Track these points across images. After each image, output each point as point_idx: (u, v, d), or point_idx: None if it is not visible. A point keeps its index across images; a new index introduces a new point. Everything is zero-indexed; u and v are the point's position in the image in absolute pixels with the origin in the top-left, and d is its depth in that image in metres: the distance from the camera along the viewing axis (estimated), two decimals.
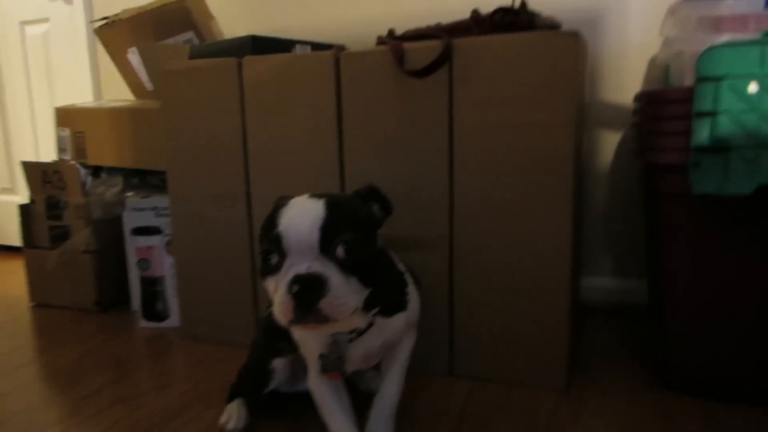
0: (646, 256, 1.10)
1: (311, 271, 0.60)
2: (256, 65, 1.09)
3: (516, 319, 0.99)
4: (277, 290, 0.62)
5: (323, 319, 0.60)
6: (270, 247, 0.63)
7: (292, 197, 0.69)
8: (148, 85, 1.46)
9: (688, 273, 0.90)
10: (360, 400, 0.84)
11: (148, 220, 1.31)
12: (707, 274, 0.89)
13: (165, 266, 1.32)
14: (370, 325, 0.73)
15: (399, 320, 0.76)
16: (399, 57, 0.96)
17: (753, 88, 0.75)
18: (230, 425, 0.88)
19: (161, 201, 1.30)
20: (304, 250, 0.61)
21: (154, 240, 1.31)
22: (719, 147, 0.78)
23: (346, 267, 0.62)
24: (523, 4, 0.99)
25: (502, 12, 0.98)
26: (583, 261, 1.39)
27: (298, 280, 0.60)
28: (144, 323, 1.35)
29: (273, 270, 0.63)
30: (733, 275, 0.87)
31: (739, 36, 0.81)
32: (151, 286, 1.33)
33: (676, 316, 0.93)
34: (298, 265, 0.61)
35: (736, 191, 0.78)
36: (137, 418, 0.94)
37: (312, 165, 1.08)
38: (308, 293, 0.59)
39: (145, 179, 1.47)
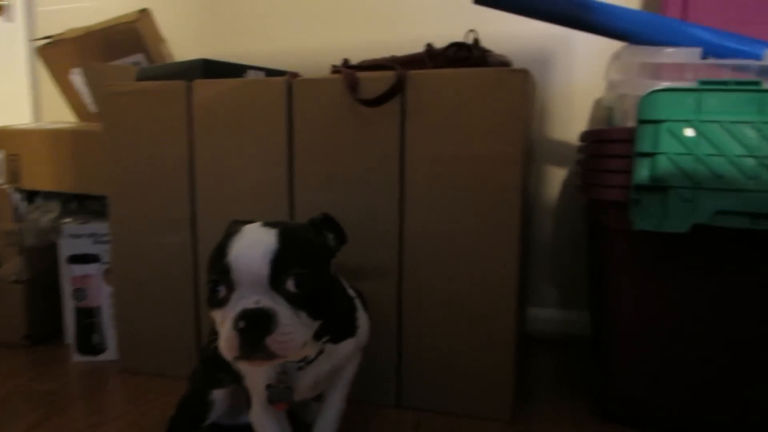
0: (589, 289, 1.13)
1: (259, 306, 0.58)
2: (206, 89, 1.07)
3: (463, 350, 0.99)
4: (224, 323, 0.59)
5: (270, 356, 0.58)
6: (218, 278, 0.61)
7: (245, 222, 0.67)
8: (92, 107, 1.41)
9: (629, 306, 0.93)
10: None
11: (85, 247, 1.25)
12: (647, 308, 0.92)
13: (102, 296, 1.26)
14: (320, 352, 0.71)
15: (348, 346, 0.76)
16: (352, 86, 0.97)
17: (689, 132, 0.80)
18: None
19: (100, 227, 1.24)
20: (254, 283, 0.59)
21: (92, 268, 1.25)
22: (658, 186, 0.82)
23: (296, 301, 0.60)
24: (476, 41, 1.02)
25: (455, 47, 1.01)
26: (529, 292, 1.42)
27: (244, 315, 0.58)
28: (78, 357, 1.27)
29: (220, 303, 0.61)
30: (672, 310, 0.91)
31: (677, 83, 0.86)
32: (87, 318, 1.26)
33: (617, 349, 0.96)
34: (246, 298, 0.59)
35: (674, 229, 0.81)
36: None
37: (261, 192, 1.06)
38: (255, 330, 0.57)
39: (84, 204, 1.40)
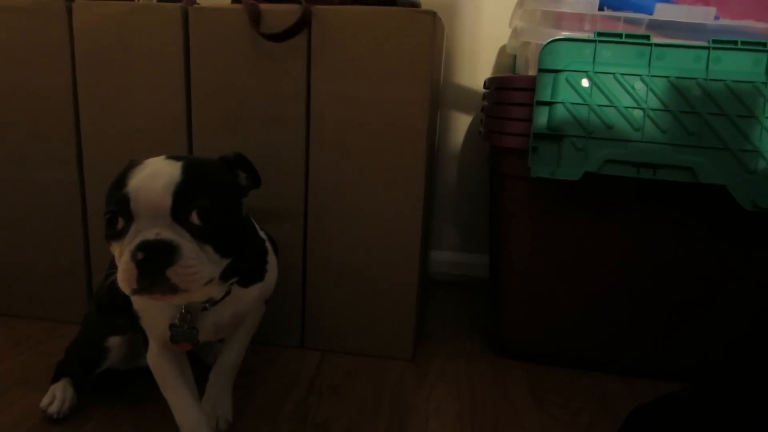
0: (489, 233, 1.18)
1: (160, 237, 0.55)
2: (89, 11, 0.97)
3: (368, 292, 1.01)
4: (122, 256, 0.56)
5: (171, 289, 0.55)
6: (115, 209, 0.57)
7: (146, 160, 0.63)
8: None
9: (525, 249, 0.98)
10: (205, 374, 0.80)
11: None
12: (540, 251, 0.97)
13: None
14: (227, 294, 0.69)
15: (254, 291, 0.74)
16: (255, 17, 0.91)
17: (585, 82, 0.83)
18: (53, 407, 0.79)
19: None
20: (154, 214, 0.56)
21: None
22: (555, 135, 0.85)
23: (201, 235, 0.58)
24: None
25: None
26: (432, 235, 1.46)
27: (143, 246, 0.54)
28: None
29: (118, 234, 0.57)
30: (561, 254, 0.97)
31: (576, 34, 0.88)
32: None
33: (510, 289, 1.01)
34: (146, 230, 0.56)
35: (567, 176, 0.86)
36: None
37: (156, 129, 0.99)
38: (155, 261, 0.54)
39: None
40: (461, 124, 1.41)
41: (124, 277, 0.55)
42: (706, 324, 0.95)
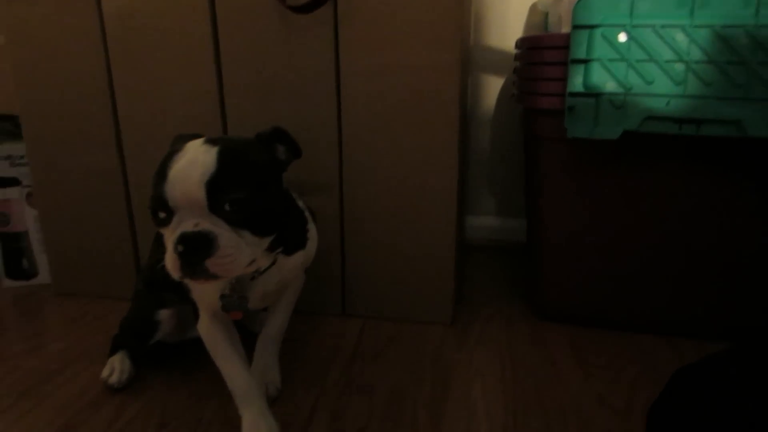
0: (525, 197, 1.17)
1: (198, 229, 0.58)
2: None
3: (405, 258, 1.02)
4: (168, 243, 0.60)
5: (212, 277, 0.59)
6: (156, 204, 0.60)
7: (190, 137, 0.66)
8: None
9: (561, 212, 0.97)
10: (251, 343, 0.84)
11: (2, 170, 1.17)
12: (578, 212, 0.96)
13: (27, 220, 1.20)
14: (273, 263, 0.72)
15: (298, 259, 0.77)
16: None
17: (622, 37, 0.80)
18: (114, 378, 0.84)
19: (16, 149, 1.16)
20: (191, 207, 0.59)
21: (12, 192, 1.18)
22: (591, 93, 0.83)
23: (237, 222, 0.60)
24: None
25: None
26: (468, 201, 1.45)
27: (183, 239, 0.58)
28: (9, 283, 1.23)
29: (163, 223, 0.61)
30: (601, 216, 0.95)
31: None
32: (14, 243, 1.20)
33: (548, 252, 1.01)
34: (186, 221, 0.59)
35: (605, 135, 0.84)
36: (11, 381, 0.87)
37: (189, 105, 1.01)
38: (194, 253, 0.57)
39: None
40: (493, 87, 1.39)
41: (171, 265, 0.59)
42: (754, 284, 0.93)
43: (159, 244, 0.79)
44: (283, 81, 0.96)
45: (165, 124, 1.02)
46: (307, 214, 0.80)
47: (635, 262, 0.96)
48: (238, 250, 0.60)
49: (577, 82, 0.84)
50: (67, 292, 1.17)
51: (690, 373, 0.59)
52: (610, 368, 0.90)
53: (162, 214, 0.60)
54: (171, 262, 0.59)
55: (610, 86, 0.82)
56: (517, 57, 1.08)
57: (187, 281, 0.72)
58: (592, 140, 0.86)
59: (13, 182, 1.17)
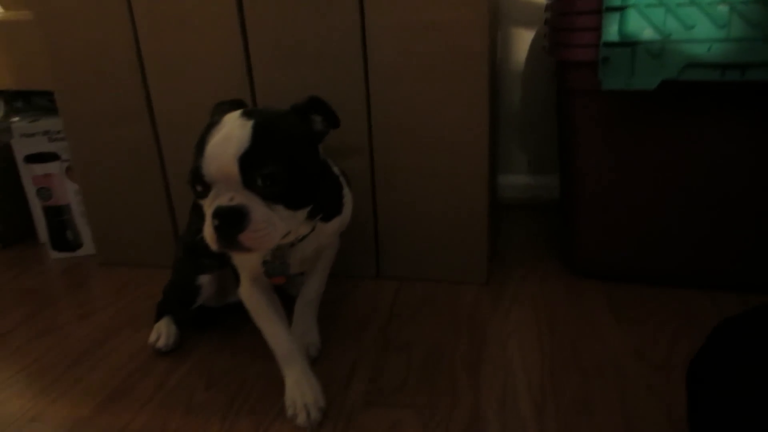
0: (558, 153, 1.14)
1: (232, 204, 0.60)
2: None
3: (438, 219, 1.02)
4: (207, 217, 0.62)
5: (246, 249, 0.61)
6: (194, 178, 0.62)
7: (231, 104, 0.69)
8: None
9: (596, 166, 0.95)
10: (289, 306, 0.86)
11: (41, 145, 1.20)
12: (613, 166, 0.94)
13: (69, 193, 1.23)
14: (312, 229, 0.73)
15: (334, 224, 0.78)
16: None
17: None
18: (160, 343, 0.88)
19: (53, 124, 1.19)
20: (227, 181, 0.60)
21: (52, 167, 1.21)
22: (627, 42, 0.80)
23: (270, 197, 0.61)
24: None
25: None
26: (500, 159, 1.43)
27: (218, 213, 0.59)
28: (55, 254, 1.28)
29: (201, 195, 0.63)
30: (636, 168, 0.93)
31: None
32: (57, 216, 1.24)
33: (583, 207, 0.99)
34: (222, 195, 0.60)
35: (642, 86, 0.81)
36: (64, 348, 0.92)
37: (217, 74, 1.01)
38: (228, 227, 0.59)
39: (30, 101, 1.33)
40: (523, 40, 1.34)
41: (209, 238, 0.62)
42: None
43: (196, 212, 0.81)
44: (309, 43, 0.95)
45: (194, 93, 1.03)
46: (342, 179, 0.80)
47: (672, 214, 0.94)
48: (271, 225, 0.61)
49: (612, 31, 0.80)
50: (111, 262, 1.21)
51: (732, 326, 0.58)
52: (649, 323, 0.89)
53: (199, 188, 0.62)
54: (209, 234, 0.61)
55: (647, 34, 0.79)
56: (547, 7, 1.05)
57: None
58: (627, 92, 0.83)
59: (52, 157, 1.21)
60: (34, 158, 1.21)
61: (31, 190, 1.26)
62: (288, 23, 0.95)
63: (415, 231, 1.03)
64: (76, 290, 1.13)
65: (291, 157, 0.63)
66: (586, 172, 0.97)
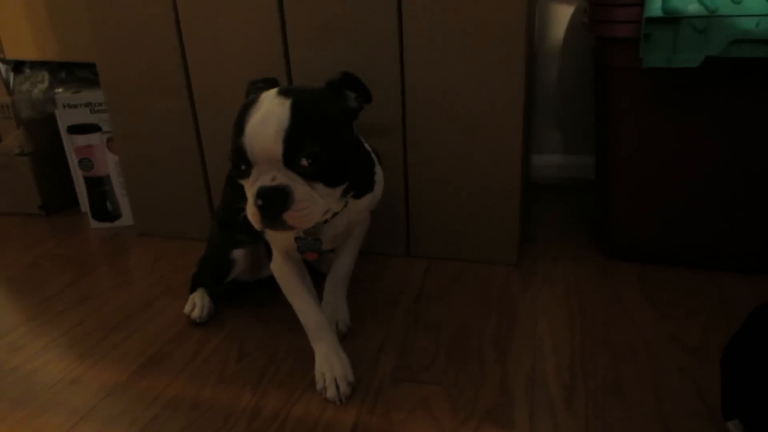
0: (595, 132, 1.12)
1: (275, 183, 0.60)
2: None
3: (469, 198, 1.01)
4: (249, 194, 0.62)
5: (290, 228, 0.62)
6: (236, 157, 0.62)
7: (263, 82, 0.68)
8: None
9: (633, 146, 0.93)
10: (319, 283, 0.87)
11: (83, 117, 1.23)
12: (650, 147, 0.92)
13: (109, 164, 1.27)
14: (344, 206, 0.74)
15: (365, 201, 0.78)
16: None
17: None
18: (195, 313, 0.90)
19: (95, 96, 1.21)
20: (269, 160, 0.61)
21: (94, 138, 1.24)
22: (671, 18, 0.77)
23: (311, 176, 0.62)
24: None
25: None
26: (534, 138, 1.41)
27: (262, 193, 0.60)
28: (95, 224, 1.32)
29: (243, 175, 0.63)
30: (674, 148, 0.91)
31: None
32: (98, 186, 1.28)
33: (619, 188, 0.97)
34: (264, 174, 0.61)
35: (685, 63, 0.78)
36: (103, 315, 0.95)
37: (254, 49, 1.02)
38: (272, 206, 0.60)
39: (73, 73, 1.36)
40: (561, 16, 1.31)
41: (252, 217, 0.62)
42: None
43: (232, 186, 0.82)
44: (345, 18, 0.95)
45: (231, 69, 1.04)
46: (373, 156, 0.80)
47: (711, 196, 0.91)
48: (313, 203, 0.62)
49: (655, 7, 0.78)
50: (148, 233, 1.24)
51: None
52: (683, 306, 0.88)
53: (243, 166, 0.62)
54: (252, 213, 0.62)
55: (692, 9, 0.76)
56: None
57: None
58: (669, 69, 0.80)
59: (94, 128, 1.24)
60: (76, 129, 1.24)
61: (73, 161, 1.30)
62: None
63: (446, 210, 1.03)
64: (115, 259, 1.17)
65: (329, 135, 0.63)
66: (622, 153, 0.95)
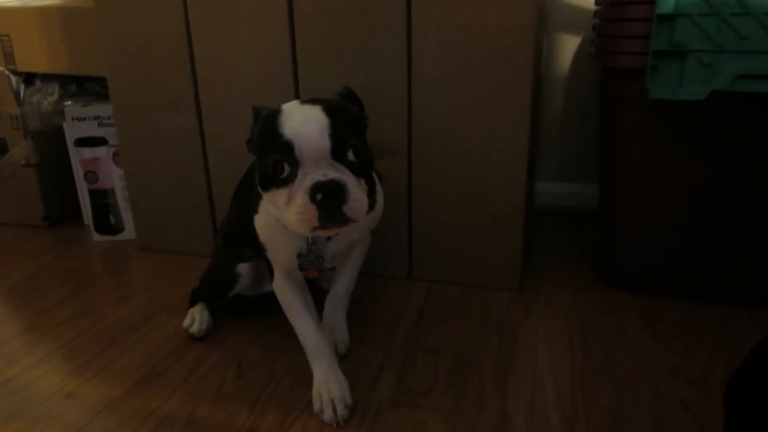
0: (599, 161, 1.13)
1: (330, 177, 0.60)
2: None
3: (473, 224, 1.01)
4: (291, 201, 0.61)
5: (345, 222, 0.61)
6: (281, 157, 0.61)
7: (267, 108, 0.67)
8: None
9: (637, 177, 0.93)
10: (320, 298, 0.87)
11: (91, 130, 1.24)
12: (655, 179, 0.92)
13: (114, 178, 1.27)
14: None
15: (366, 220, 0.77)
16: None
17: None
18: (194, 328, 0.90)
19: (104, 110, 1.23)
20: (318, 157, 0.61)
21: (100, 151, 1.25)
22: (677, 51, 0.78)
23: (357, 170, 0.63)
24: None
25: None
26: (538, 165, 1.41)
27: (321, 187, 0.59)
28: (97, 237, 1.32)
29: (285, 181, 0.61)
30: (678, 179, 0.91)
31: None
32: (102, 199, 1.28)
33: (622, 218, 0.97)
34: (313, 172, 0.60)
35: (691, 96, 0.79)
36: (101, 329, 0.94)
37: (264, 68, 1.03)
38: (333, 199, 0.59)
39: (83, 86, 1.37)
40: (568, 45, 1.33)
41: (305, 218, 0.60)
42: None
43: (240, 201, 0.82)
44: (354, 42, 0.96)
45: (240, 87, 1.05)
46: (374, 175, 0.81)
47: (715, 229, 0.91)
48: (362, 195, 0.62)
49: (662, 40, 0.79)
50: (150, 248, 1.24)
51: None
52: (686, 338, 0.87)
53: (286, 170, 0.61)
54: (306, 214, 0.60)
55: (699, 43, 0.77)
56: (596, 14, 1.03)
57: (264, 240, 0.75)
58: (674, 101, 0.81)
59: (101, 141, 1.25)
60: (83, 142, 1.25)
61: (79, 173, 1.31)
62: (336, 21, 0.96)
63: (449, 233, 1.03)
64: (116, 273, 1.16)
65: (362, 134, 0.66)
66: (627, 183, 0.95)
